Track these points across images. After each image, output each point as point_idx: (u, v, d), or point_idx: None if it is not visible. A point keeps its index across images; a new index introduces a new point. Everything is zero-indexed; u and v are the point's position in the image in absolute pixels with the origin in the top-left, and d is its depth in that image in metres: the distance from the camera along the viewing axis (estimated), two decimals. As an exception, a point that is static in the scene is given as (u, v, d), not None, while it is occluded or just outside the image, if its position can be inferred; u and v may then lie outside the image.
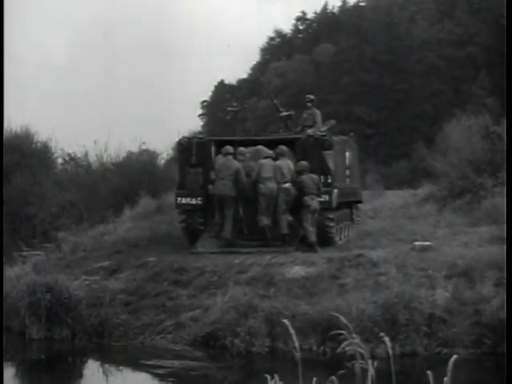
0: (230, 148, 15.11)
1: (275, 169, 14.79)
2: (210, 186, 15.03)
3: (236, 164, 14.88)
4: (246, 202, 15.03)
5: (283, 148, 15.00)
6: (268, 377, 4.86)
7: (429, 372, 4.46)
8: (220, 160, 15.11)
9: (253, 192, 14.84)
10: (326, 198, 14.86)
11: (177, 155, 17.48)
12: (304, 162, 14.83)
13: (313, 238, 14.58)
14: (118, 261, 14.37)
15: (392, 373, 4.89)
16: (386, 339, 4.92)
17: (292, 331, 4.85)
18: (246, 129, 57.95)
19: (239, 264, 13.20)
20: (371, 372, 4.54)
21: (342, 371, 5.16)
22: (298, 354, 4.88)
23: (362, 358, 4.62)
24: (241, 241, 14.87)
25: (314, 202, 14.65)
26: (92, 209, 25.52)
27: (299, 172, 14.82)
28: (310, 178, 14.74)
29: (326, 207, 14.90)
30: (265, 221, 14.68)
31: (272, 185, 14.69)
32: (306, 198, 14.63)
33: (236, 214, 14.92)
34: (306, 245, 14.52)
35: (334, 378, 4.75)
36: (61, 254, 15.99)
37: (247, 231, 15.09)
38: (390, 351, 4.97)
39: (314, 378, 4.82)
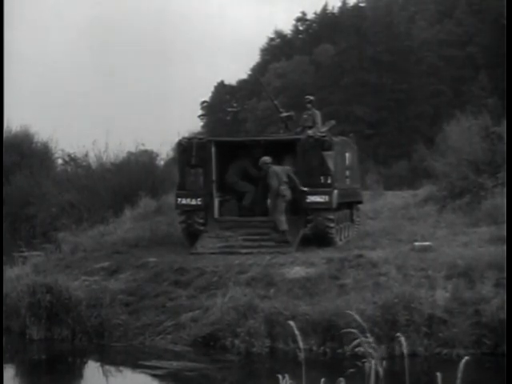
0: None
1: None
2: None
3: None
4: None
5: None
6: (280, 377, 4.86)
7: (438, 374, 4.45)
8: None
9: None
10: (326, 198, 14.86)
11: (177, 156, 17.52)
12: (266, 157, 15.15)
13: (284, 226, 14.71)
14: (118, 261, 14.36)
15: (406, 372, 4.89)
16: (402, 339, 4.92)
17: (297, 332, 4.86)
18: (247, 129, 58.02)
19: (239, 264, 13.19)
20: (380, 372, 4.55)
21: (351, 370, 5.17)
22: (301, 355, 4.89)
23: (372, 357, 4.63)
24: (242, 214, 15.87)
25: (288, 192, 14.91)
26: (92, 209, 25.54)
27: (266, 165, 15.09)
28: (281, 169, 15.08)
29: (326, 208, 14.91)
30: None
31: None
32: (282, 187, 14.85)
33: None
34: (277, 233, 14.69)
35: (341, 379, 4.76)
36: (61, 255, 15.97)
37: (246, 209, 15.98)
38: (405, 351, 4.98)
39: (322, 379, 4.82)
